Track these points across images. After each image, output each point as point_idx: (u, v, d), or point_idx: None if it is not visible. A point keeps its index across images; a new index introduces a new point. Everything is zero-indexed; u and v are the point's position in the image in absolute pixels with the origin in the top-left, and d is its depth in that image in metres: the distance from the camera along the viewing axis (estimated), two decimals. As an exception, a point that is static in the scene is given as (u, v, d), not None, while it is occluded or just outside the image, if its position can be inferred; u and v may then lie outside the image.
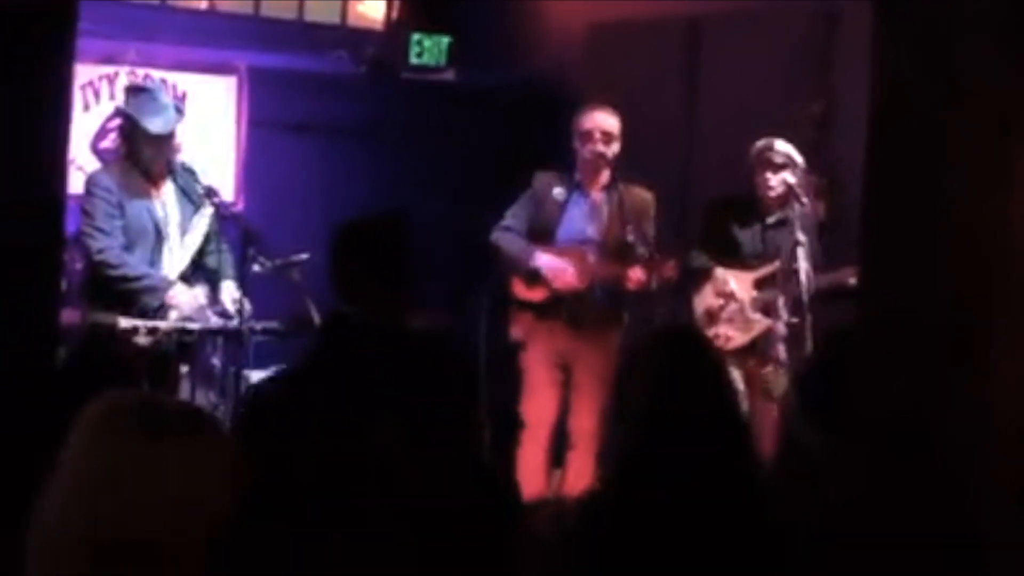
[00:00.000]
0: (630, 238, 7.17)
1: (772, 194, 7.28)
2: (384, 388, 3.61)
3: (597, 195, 7.39)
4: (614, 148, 7.34)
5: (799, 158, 7.22)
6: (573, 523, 3.50)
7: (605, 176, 7.38)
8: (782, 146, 7.25)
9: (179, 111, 6.98)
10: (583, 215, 7.39)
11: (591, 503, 3.58)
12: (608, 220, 7.34)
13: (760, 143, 7.29)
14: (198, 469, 2.02)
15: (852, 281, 6.96)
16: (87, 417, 2.07)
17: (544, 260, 7.26)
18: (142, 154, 6.79)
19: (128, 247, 6.72)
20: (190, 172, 6.96)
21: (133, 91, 7.09)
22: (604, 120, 7.33)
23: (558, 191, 7.37)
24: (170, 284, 6.69)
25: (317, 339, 4.38)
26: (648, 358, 3.59)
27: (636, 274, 7.15)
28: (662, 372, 3.52)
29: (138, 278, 6.64)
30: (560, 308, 7.29)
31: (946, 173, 2.60)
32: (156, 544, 1.98)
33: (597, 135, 7.30)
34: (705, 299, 7.42)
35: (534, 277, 7.32)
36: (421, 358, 3.76)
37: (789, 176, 7.19)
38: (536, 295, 7.33)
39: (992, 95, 2.58)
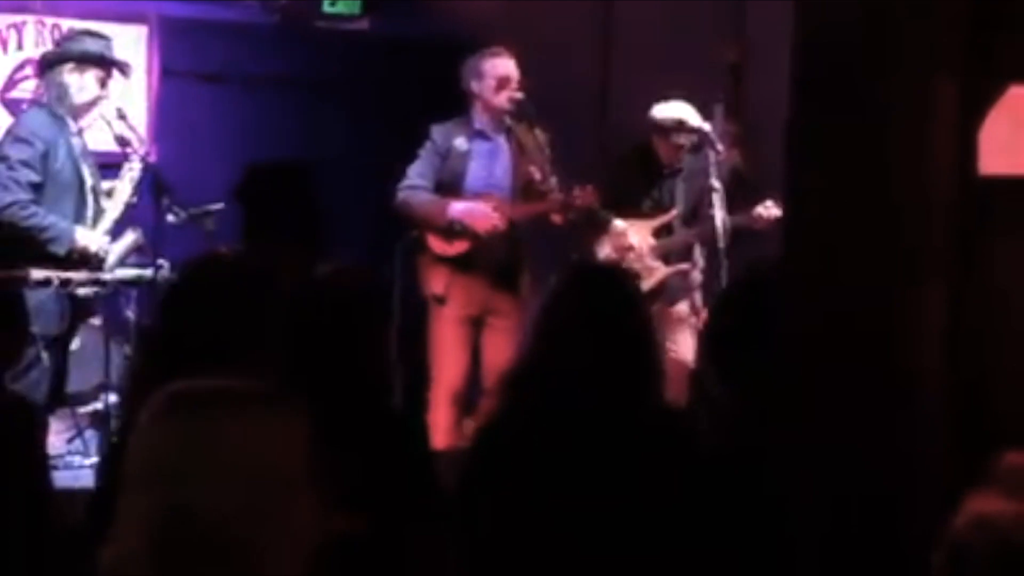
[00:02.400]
0: (536, 176, 7.13)
1: (665, 160, 7.36)
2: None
3: (499, 139, 7.32)
4: (518, 88, 7.24)
5: (693, 119, 7.22)
6: (468, 460, 3.51)
7: (506, 120, 7.30)
8: (667, 112, 7.27)
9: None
10: (488, 162, 7.30)
11: (480, 433, 3.58)
12: (512, 162, 7.28)
13: (652, 111, 7.31)
14: (268, 445, 2.00)
15: (764, 215, 7.07)
16: (151, 407, 2.04)
17: (459, 209, 7.15)
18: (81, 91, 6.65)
19: (54, 197, 6.59)
20: (107, 121, 6.85)
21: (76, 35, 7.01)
22: (514, 67, 7.26)
23: (459, 141, 7.26)
24: (72, 230, 6.56)
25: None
26: (571, 288, 3.60)
27: (555, 199, 7.11)
28: (582, 299, 3.53)
29: (45, 228, 6.52)
30: (478, 258, 7.20)
31: (872, 105, 2.62)
32: (231, 525, 1.94)
33: (514, 83, 7.23)
34: (604, 250, 7.41)
35: (452, 231, 7.20)
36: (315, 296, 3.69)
37: (682, 139, 7.23)
38: (456, 248, 7.22)
39: (915, 29, 2.59)
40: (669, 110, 7.27)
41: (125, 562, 1.96)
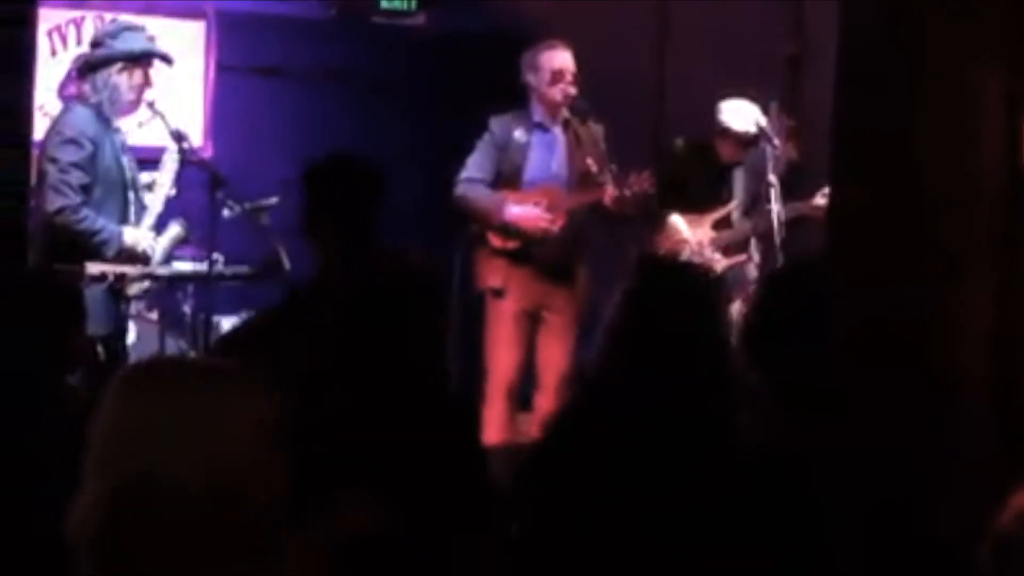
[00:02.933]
0: (593, 167, 7.18)
1: (726, 157, 7.41)
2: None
3: (556, 131, 7.39)
4: (575, 82, 7.32)
5: (757, 121, 7.21)
6: (528, 455, 3.49)
7: (563, 113, 7.35)
8: (733, 112, 7.26)
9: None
10: (547, 153, 7.38)
11: (547, 431, 3.57)
12: (568, 153, 7.35)
13: (717, 114, 7.30)
14: (222, 421, 2.00)
15: (816, 206, 7.07)
16: (114, 382, 2.07)
17: (514, 213, 7.22)
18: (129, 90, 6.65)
19: (101, 197, 6.60)
20: (163, 117, 6.83)
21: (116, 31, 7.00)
22: (571, 60, 7.31)
23: (519, 133, 7.35)
24: (121, 232, 6.56)
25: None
26: (645, 287, 3.57)
27: (610, 191, 7.13)
28: (653, 297, 3.50)
29: (96, 232, 6.50)
30: (535, 253, 7.26)
31: (915, 101, 2.60)
32: (188, 495, 1.95)
33: (568, 76, 7.28)
34: (661, 246, 7.44)
35: (508, 229, 7.27)
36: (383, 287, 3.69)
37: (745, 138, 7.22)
38: (514, 242, 7.28)
39: (958, 25, 2.57)
40: (735, 111, 7.28)
41: (86, 537, 1.97)
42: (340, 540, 2.14)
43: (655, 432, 3.31)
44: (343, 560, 2.05)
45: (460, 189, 7.31)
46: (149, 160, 6.91)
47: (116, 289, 6.46)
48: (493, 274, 7.29)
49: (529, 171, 7.32)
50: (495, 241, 7.29)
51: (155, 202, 6.74)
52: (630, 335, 3.48)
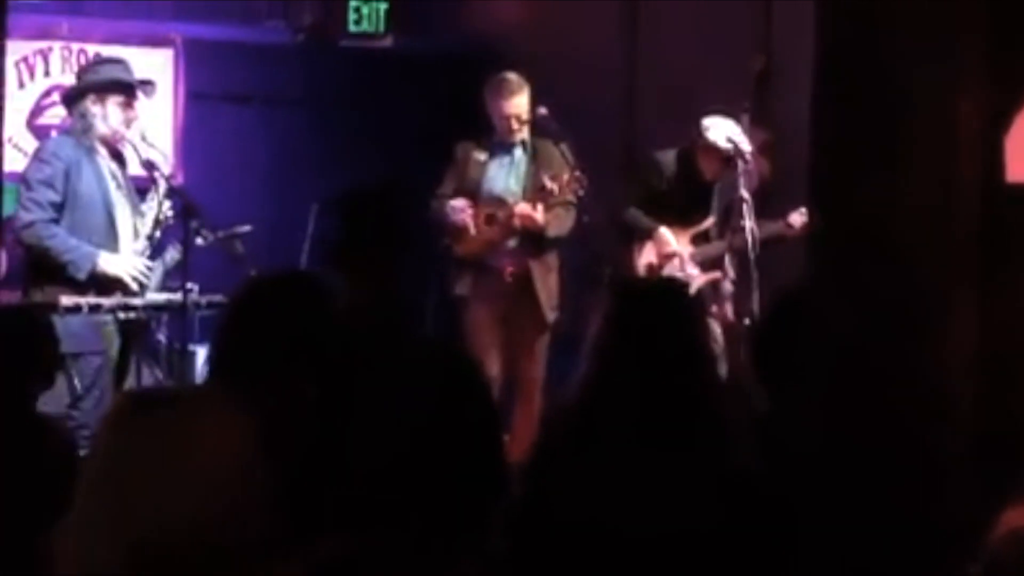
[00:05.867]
0: (548, 185, 7.34)
1: (708, 173, 7.42)
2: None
3: (515, 151, 7.59)
4: (528, 120, 7.49)
5: (732, 138, 7.23)
6: (519, 483, 3.46)
7: (524, 134, 7.55)
8: (721, 136, 7.29)
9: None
10: (503, 171, 7.59)
11: (533, 458, 3.54)
12: (526, 171, 7.54)
13: (703, 131, 7.33)
14: (205, 446, 2.07)
15: (790, 225, 7.11)
16: (104, 417, 2.16)
17: (449, 207, 7.49)
18: (104, 120, 6.66)
19: (78, 219, 6.58)
20: (134, 146, 6.85)
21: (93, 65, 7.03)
22: (518, 103, 7.45)
23: (477, 153, 7.58)
24: (94, 255, 6.54)
25: None
26: (624, 310, 3.54)
27: (521, 208, 7.38)
28: (643, 318, 3.48)
29: (65, 250, 6.49)
30: (494, 259, 7.49)
31: (894, 118, 2.59)
32: (173, 527, 2.02)
33: (513, 124, 7.46)
34: (646, 257, 7.52)
35: (458, 232, 7.51)
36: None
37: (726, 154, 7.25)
38: (464, 248, 7.52)
39: (937, 40, 2.56)
40: (719, 127, 7.30)
41: (89, 562, 2.02)
42: (314, 569, 2.16)
43: (644, 454, 3.29)
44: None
45: (431, 204, 7.56)
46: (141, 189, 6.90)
47: (98, 315, 6.44)
48: (459, 282, 7.55)
49: (485, 188, 7.54)
50: (458, 250, 7.53)
51: (143, 227, 6.74)
52: (613, 358, 3.46)
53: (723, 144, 7.28)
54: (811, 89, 2.80)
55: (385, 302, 4.02)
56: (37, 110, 8.10)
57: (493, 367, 7.45)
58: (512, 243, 7.49)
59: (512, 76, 7.50)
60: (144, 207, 6.79)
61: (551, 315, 7.49)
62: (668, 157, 7.57)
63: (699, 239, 7.52)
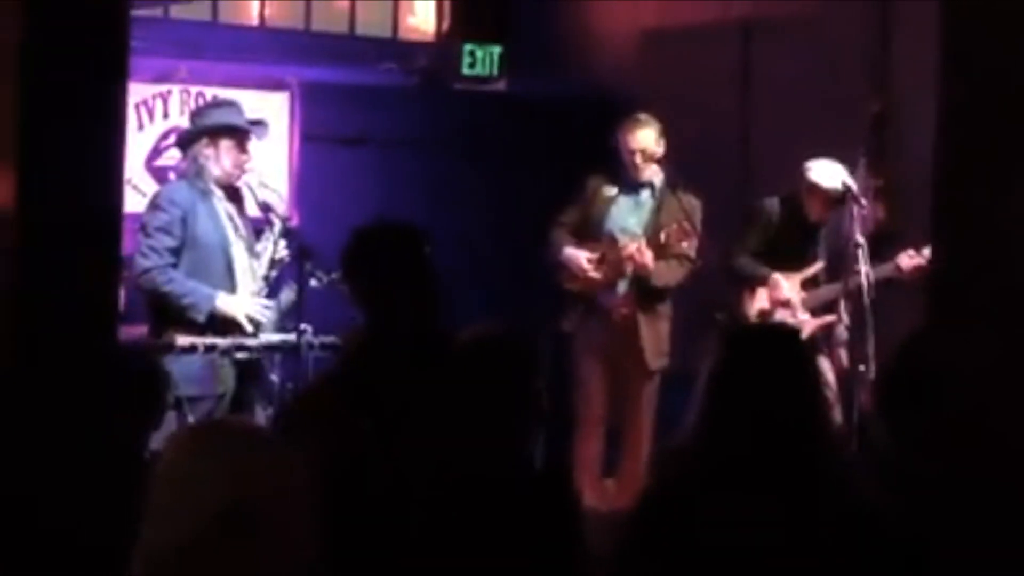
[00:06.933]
0: (663, 238, 7.37)
1: (814, 217, 7.40)
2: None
3: (643, 192, 7.62)
4: (655, 157, 7.53)
5: (844, 181, 7.18)
6: (632, 526, 3.43)
7: (652, 174, 7.57)
8: (824, 176, 7.25)
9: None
10: (627, 210, 7.62)
11: (644, 507, 3.50)
12: (650, 216, 7.56)
13: (805, 172, 7.29)
14: (245, 478, 2.17)
15: (900, 268, 7.03)
16: (169, 440, 2.31)
17: (565, 252, 7.57)
18: (217, 163, 6.74)
19: (196, 262, 6.67)
20: (251, 188, 6.94)
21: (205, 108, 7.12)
22: (643, 140, 7.50)
23: (607, 188, 7.64)
24: (212, 296, 6.61)
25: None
26: (737, 355, 3.51)
27: (630, 249, 7.38)
28: (755, 362, 3.44)
29: (183, 294, 6.59)
30: (599, 303, 7.55)
31: (1016, 173, 2.55)
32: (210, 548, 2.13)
33: (638, 159, 7.50)
34: (758, 303, 7.49)
35: (574, 274, 7.60)
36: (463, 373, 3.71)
37: (838, 185, 7.19)
38: (574, 284, 7.59)
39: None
40: (823, 169, 7.26)
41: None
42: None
43: (762, 499, 3.25)
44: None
45: (551, 233, 7.66)
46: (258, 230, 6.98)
47: (213, 356, 6.51)
48: (568, 318, 7.64)
49: (606, 224, 7.60)
50: (569, 285, 7.61)
51: (258, 268, 6.81)
52: (725, 402, 3.43)
53: (826, 184, 7.24)
54: (932, 130, 2.77)
55: (411, 336, 4.05)
56: (155, 152, 8.20)
57: (598, 406, 7.60)
58: (623, 285, 7.51)
59: (642, 115, 7.57)
60: (259, 247, 6.86)
61: (656, 363, 7.51)
62: (774, 203, 7.56)
63: (808, 284, 7.47)
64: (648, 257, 7.35)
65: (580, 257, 7.52)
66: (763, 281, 7.48)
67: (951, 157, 2.69)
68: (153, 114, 8.26)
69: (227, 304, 6.61)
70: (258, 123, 7.04)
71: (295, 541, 2.16)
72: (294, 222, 7.80)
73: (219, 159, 6.73)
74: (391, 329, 4.22)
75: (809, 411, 3.38)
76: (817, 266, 7.45)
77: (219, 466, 2.16)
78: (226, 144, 6.75)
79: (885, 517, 3.18)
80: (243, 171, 6.84)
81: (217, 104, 7.14)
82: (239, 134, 6.80)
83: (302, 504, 2.18)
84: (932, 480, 2.94)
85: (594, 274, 7.50)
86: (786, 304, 7.44)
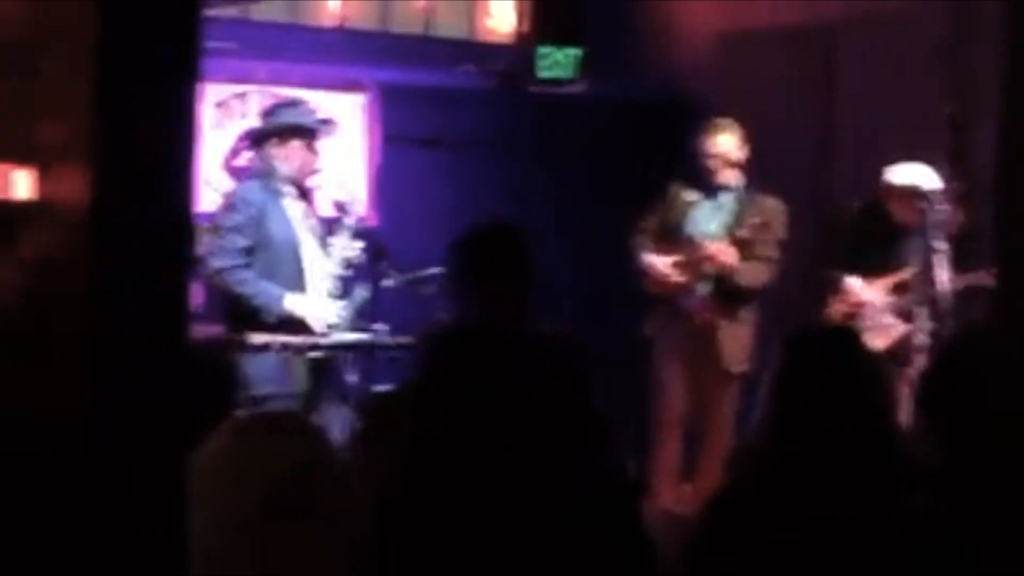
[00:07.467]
0: (745, 234, 7.36)
1: (903, 221, 7.32)
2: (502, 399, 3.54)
3: (724, 196, 7.58)
4: (737, 161, 7.52)
5: (926, 182, 7.11)
6: (699, 526, 3.42)
7: (733, 178, 7.53)
8: (898, 176, 7.18)
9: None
10: (708, 214, 7.59)
11: (711, 513, 3.48)
12: (731, 218, 7.53)
13: (886, 176, 7.23)
14: (278, 463, 2.26)
15: (988, 282, 6.92)
16: (218, 432, 2.40)
17: (646, 258, 7.55)
18: (286, 162, 6.77)
19: (269, 262, 6.70)
20: (323, 188, 6.99)
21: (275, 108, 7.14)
22: (722, 144, 7.48)
23: (688, 193, 7.60)
24: (283, 296, 6.64)
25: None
26: (803, 359, 3.50)
27: (712, 249, 7.38)
28: (823, 372, 3.43)
29: (254, 295, 6.62)
30: (680, 306, 7.53)
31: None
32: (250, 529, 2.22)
33: (718, 163, 7.50)
34: (839, 307, 7.40)
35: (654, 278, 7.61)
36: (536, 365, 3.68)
37: (921, 203, 7.11)
38: (656, 287, 7.58)
39: None
40: (903, 171, 7.19)
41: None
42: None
43: (819, 516, 3.23)
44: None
45: (633, 239, 7.64)
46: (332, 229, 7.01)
47: (287, 354, 6.54)
48: (649, 321, 7.65)
49: (686, 228, 7.57)
50: (650, 288, 7.60)
51: (329, 269, 6.83)
52: (788, 403, 3.42)
53: (899, 182, 7.17)
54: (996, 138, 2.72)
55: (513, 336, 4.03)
56: (233, 152, 8.25)
57: (678, 410, 7.60)
58: (704, 289, 7.48)
59: (723, 119, 7.55)
60: (331, 247, 6.88)
61: (735, 368, 7.47)
62: (855, 208, 7.49)
63: (899, 289, 7.37)
64: (732, 256, 7.32)
65: (660, 262, 7.51)
66: (839, 285, 7.41)
67: (1012, 157, 2.64)
68: (232, 114, 8.31)
69: (295, 304, 6.64)
70: (327, 122, 7.07)
71: (337, 529, 2.20)
72: (372, 221, 7.84)
73: (288, 158, 6.76)
74: (491, 327, 4.20)
75: (870, 411, 3.36)
76: (908, 271, 7.33)
77: (261, 455, 2.23)
78: (295, 143, 6.78)
79: (934, 525, 3.16)
80: (313, 170, 6.87)
81: (286, 104, 7.16)
82: (308, 134, 6.83)
83: (343, 492, 2.24)
84: (976, 486, 2.91)
85: (675, 278, 7.48)
86: (863, 306, 7.35)
